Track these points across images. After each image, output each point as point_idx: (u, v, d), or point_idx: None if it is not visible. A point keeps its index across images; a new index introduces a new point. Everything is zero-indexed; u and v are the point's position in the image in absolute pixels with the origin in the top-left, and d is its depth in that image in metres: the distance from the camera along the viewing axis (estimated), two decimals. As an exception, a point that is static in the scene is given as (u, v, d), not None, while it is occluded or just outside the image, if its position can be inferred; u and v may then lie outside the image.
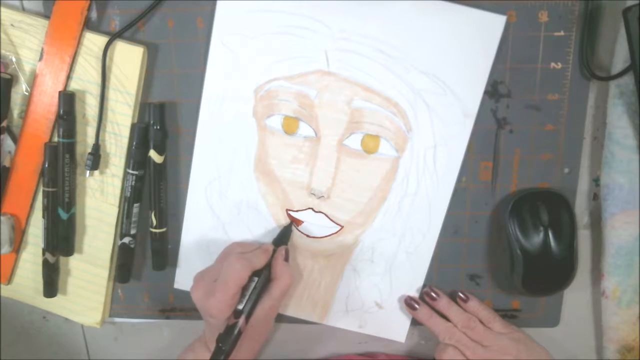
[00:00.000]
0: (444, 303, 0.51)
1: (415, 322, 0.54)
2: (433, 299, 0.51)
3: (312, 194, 0.50)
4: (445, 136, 0.48)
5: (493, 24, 0.45)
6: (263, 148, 0.50)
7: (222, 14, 0.47)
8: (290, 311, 0.54)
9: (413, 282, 0.52)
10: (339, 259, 0.52)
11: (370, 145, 0.48)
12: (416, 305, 0.52)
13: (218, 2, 0.47)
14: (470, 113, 0.47)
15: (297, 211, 0.51)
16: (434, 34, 0.45)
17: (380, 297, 0.53)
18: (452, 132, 0.48)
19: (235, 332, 0.45)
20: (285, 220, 0.51)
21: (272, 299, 0.48)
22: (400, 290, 0.53)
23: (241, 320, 0.45)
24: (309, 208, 0.51)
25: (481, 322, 0.50)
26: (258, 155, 0.50)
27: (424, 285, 0.52)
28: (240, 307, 0.46)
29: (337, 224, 0.51)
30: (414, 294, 0.53)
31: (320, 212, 0.51)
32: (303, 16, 0.46)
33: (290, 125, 0.49)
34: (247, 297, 0.46)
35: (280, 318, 0.55)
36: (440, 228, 0.50)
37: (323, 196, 0.50)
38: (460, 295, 0.52)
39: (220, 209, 0.52)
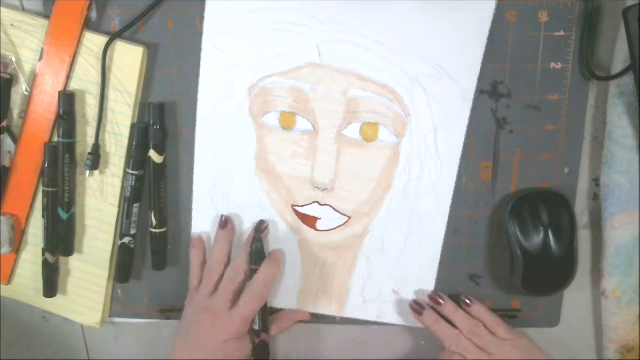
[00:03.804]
0: (449, 308, 0.51)
1: (414, 323, 0.54)
2: (438, 304, 0.51)
3: (316, 187, 0.50)
4: (445, 119, 0.48)
5: (484, 6, 0.45)
6: (262, 146, 0.50)
7: (212, 14, 0.47)
8: (308, 307, 0.54)
9: (428, 267, 0.52)
10: (349, 250, 0.52)
11: (369, 133, 0.48)
12: (422, 310, 0.51)
13: (207, 3, 0.47)
14: (467, 97, 0.47)
15: (302, 206, 0.51)
16: (425, 20, 0.45)
17: (396, 284, 0.52)
18: (452, 115, 0.47)
19: (267, 347, 0.49)
20: (291, 216, 0.51)
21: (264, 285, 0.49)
22: (415, 275, 0.52)
23: (264, 336, 0.49)
24: (314, 202, 0.50)
25: (485, 326, 0.50)
26: (258, 154, 0.50)
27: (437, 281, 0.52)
28: (257, 327, 0.49)
29: (344, 215, 0.51)
30: (430, 279, 0.52)
31: (326, 204, 0.50)
32: (291, 11, 0.46)
33: (287, 121, 0.49)
34: (258, 316, 0.49)
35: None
36: (449, 210, 0.50)
37: (327, 188, 0.50)
38: (464, 299, 0.51)
39: (226, 211, 0.52)
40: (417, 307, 0.52)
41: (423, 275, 0.52)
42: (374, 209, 0.50)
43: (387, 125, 0.48)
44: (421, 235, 0.51)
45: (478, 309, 0.51)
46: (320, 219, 0.51)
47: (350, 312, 0.54)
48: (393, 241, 0.51)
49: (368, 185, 0.50)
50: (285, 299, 0.54)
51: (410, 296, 0.53)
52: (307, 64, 0.47)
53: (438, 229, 0.51)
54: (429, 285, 0.52)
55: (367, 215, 0.51)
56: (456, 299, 0.52)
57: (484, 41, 0.46)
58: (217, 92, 0.49)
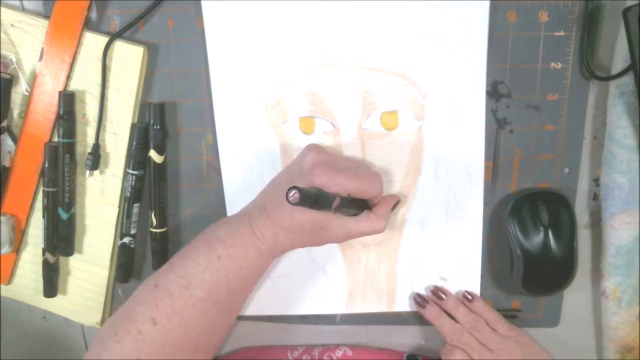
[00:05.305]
0: (451, 303, 0.51)
1: (414, 322, 0.54)
2: (440, 298, 0.51)
3: None
4: (461, 90, 0.47)
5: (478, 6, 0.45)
6: (287, 155, 0.50)
7: (213, 35, 0.47)
8: (357, 308, 0.54)
9: (471, 247, 0.51)
10: (390, 243, 0.52)
11: (389, 121, 0.48)
12: (425, 304, 0.51)
13: (206, 27, 0.47)
14: (480, 63, 0.47)
15: None
16: (426, 13, 0.46)
17: (442, 270, 0.52)
18: (468, 84, 0.47)
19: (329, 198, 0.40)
20: None
21: (352, 226, 0.44)
22: (460, 257, 0.51)
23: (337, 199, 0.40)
24: None
25: (486, 322, 0.50)
26: (284, 165, 0.50)
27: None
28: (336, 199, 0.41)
29: None
30: (475, 260, 0.51)
31: None
32: (291, 16, 0.47)
33: (307, 125, 0.49)
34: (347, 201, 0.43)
35: (282, 319, 0.55)
36: (483, 183, 0.49)
37: None
38: (466, 294, 0.51)
39: None
40: (420, 301, 0.52)
41: (467, 256, 0.51)
42: (408, 197, 0.50)
43: (405, 110, 0.48)
44: (460, 216, 0.50)
45: (479, 305, 0.51)
46: None
47: (400, 306, 0.53)
48: (432, 226, 0.51)
49: (398, 174, 0.49)
50: (332, 303, 0.54)
51: (460, 281, 0.52)
52: (316, 65, 0.48)
53: (475, 205, 0.50)
54: (475, 266, 0.51)
55: (401, 205, 0.50)
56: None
57: (485, 36, 0.46)
58: (234, 113, 0.49)
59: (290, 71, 0.48)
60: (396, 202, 0.48)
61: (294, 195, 0.36)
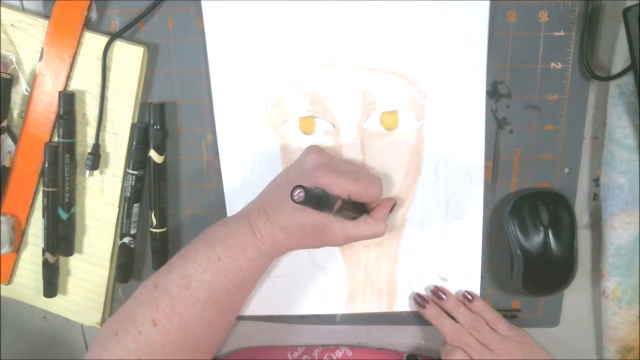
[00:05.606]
0: (451, 303, 0.51)
1: (414, 322, 0.54)
2: (440, 298, 0.51)
3: None
4: (461, 90, 0.47)
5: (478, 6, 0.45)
6: (287, 155, 0.50)
7: (213, 35, 0.48)
8: (358, 308, 0.54)
9: (471, 248, 0.51)
10: (390, 243, 0.52)
11: (389, 121, 0.48)
12: (425, 304, 0.51)
13: (206, 27, 0.47)
14: (480, 63, 0.47)
15: None
16: (428, 16, 0.46)
17: (443, 270, 0.52)
18: (467, 83, 0.47)
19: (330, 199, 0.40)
20: None
21: (351, 229, 0.45)
22: (460, 258, 0.51)
23: (338, 202, 0.41)
24: None
25: (486, 322, 0.50)
26: (284, 165, 0.50)
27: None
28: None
29: None
30: (475, 260, 0.51)
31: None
32: (291, 16, 0.47)
33: (307, 125, 0.49)
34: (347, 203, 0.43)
35: (283, 319, 0.55)
36: (483, 183, 0.49)
37: None
38: (466, 294, 0.51)
39: None
40: (420, 301, 0.52)
41: (467, 256, 0.51)
42: (408, 197, 0.50)
43: (405, 110, 0.48)
44: (460, 216, 0.50)
45: (479, 305, 0.51)
46: None
47: (400, 306, 0.53)
48: (432, 225, 0.51)
49: (398, 174, 0.49)
50: (332, 303, 0.54)
51: (460, 281, 0.52)
52: (316, 65, 0.48)
53: (475, 205, 0.50)
54: (475, 266, 0.51)
55: (401, 205, 0.50)
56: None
57: (485, 36, 0.46)
58: (234, 113, 0.49)
59: (290, 71, 0.48)
60: (393, 205, 0.48)
61: (299, 194, 0.36)
